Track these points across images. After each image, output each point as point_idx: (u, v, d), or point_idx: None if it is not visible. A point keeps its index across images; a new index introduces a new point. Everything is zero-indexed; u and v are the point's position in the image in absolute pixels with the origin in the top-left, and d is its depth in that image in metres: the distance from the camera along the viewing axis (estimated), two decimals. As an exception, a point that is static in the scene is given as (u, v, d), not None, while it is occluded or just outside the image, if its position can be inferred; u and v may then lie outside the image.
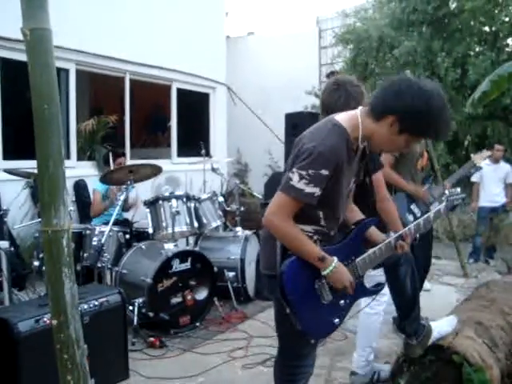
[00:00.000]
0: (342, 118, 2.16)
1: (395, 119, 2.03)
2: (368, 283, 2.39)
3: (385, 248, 2.29)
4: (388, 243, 2.30)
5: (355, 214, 2.46)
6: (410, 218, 4.25)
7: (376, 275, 2.71)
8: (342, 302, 2.23)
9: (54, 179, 1.19)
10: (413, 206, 4.31)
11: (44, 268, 4.41)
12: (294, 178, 2.02)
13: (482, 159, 4.84)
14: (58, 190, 1.18)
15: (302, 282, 2.14)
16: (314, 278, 2.15)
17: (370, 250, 2.28)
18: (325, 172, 2.00)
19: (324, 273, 2.11)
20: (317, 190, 2.02)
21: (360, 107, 2.20)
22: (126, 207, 5.51)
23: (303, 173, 2.00)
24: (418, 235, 2.44)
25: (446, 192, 2.49)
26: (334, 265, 2.10)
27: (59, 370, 1.16)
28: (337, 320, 2.22)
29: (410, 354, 2.90)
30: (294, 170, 2.03)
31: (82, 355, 1.17)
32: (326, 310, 2.19)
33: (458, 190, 2.52)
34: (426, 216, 2.40)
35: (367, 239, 2.35)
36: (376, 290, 2.43)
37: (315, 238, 2.20)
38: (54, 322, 1.15)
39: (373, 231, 2.37)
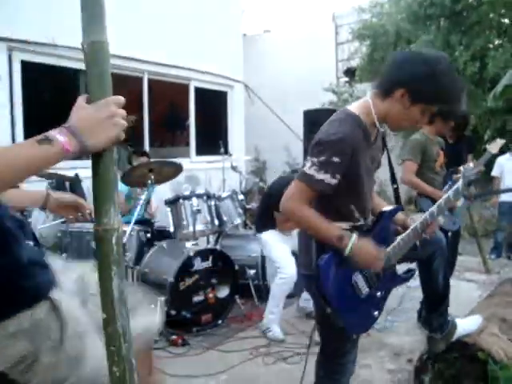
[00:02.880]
0: (354, 106, 2.19)
1: (404, 91, 2.04)
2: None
3: (412, 234, 2.28)
4: (414, 228, 2.28)
5: (379, 202, 2.47)
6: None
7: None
8: (379, 293, 2.24)
9: (105, 181, 1.25)
10: None
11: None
12: (307, 165, 2.07)
13: (497, 148, 4.79)
14: (109, 191, 1.25)
15: (339, 277, 2.15)
16: (351, 272, 2.16)
17: (399, 238, 2.27)
18: (336, 159, 2.01)
19: (346, 252, 2.05)
20: (327, 177, 2.02)
21: (368, 92, 2.21)
22: (149, 211, 5.58)
23: (314, 160, 2.04)
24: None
25: (461, 168, 2.47)
26: (353, 240, 2.05)
27: (107, 362, 1.24)
28: (376, 312, 2.24)
29: (433, 349, 2.90)
30: (308, 157, 2.08)
31: (129, 348, 1.24)
32: (365, 303, 2.20)
33: (471, 164, 2.50)
34: (445, 196, 2.38)
35: (396, 226, 2.36)
36: (407, 276, 2.42)
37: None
38: (104, 316, 1.23)
39: (399, 217, 2.38)
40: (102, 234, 1.25)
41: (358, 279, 2.17)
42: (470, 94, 9.47)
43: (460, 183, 2.42)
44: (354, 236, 2.07)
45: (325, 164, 2.01)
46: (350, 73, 13.00)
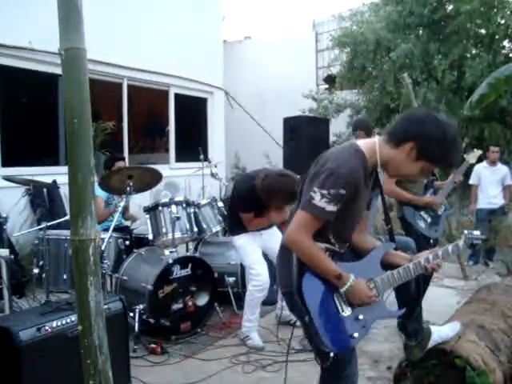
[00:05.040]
0: (362, 143, 2.27)
1: (414, 145, 2.16)
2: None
3: (403, 272, 2.37)
4: (406, 267, 2.37)
5: (372, 242, 2.53)
6: (422, 224, 4.38)
7: None
8: (362, 316, 2.27)
9: (82, 191, 1.24)
10: (422, 213, 4.41)
11: (43, 275, 4.42)
12: (316, 197, 2.11)
13: (475, 158, 4.94)
14: (86, 201, 1.23)
15: (322, 293, 2.21)
16: (333, 290, 2.22)
17: (389, 272, 2.36)
18: (342, 191, 2.10)
19: (342, 290, 2.20)
20: (335, 209, 2.12)
21: (377, 136, 2.33)
22: (126, 215, 5.53)
23: (324, 192, 2.10)
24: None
25: (465, 232, 2.58)
26: (350, 282, 2.19)
27: (83, 375, 1.21)
28: (356, 334, 2.25)
29: (409, 356, 2.91)
30: (316, 189, 2.12)
31: (105, 361, 1.22)
32: (345, 323, 2.23)
33: (478, 232, 2.60)
34: (444, 248, 2.47)
35: (389, 262, 2.42)
36: (395, 313, 2.53)
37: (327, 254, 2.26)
38: (80, 327, 1.21)
39: (396, 254, 2.46)
40: (79, 245, 1.22)
41: (341, 297, 2.24)
42: (448, 103, 9.58)
43: (461, 243, 2.53)
44: (352, 277, 2.21)
45: (335, 196, 2.10)
46: (329, 80, 13.07)
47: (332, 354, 2.22)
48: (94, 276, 1.22)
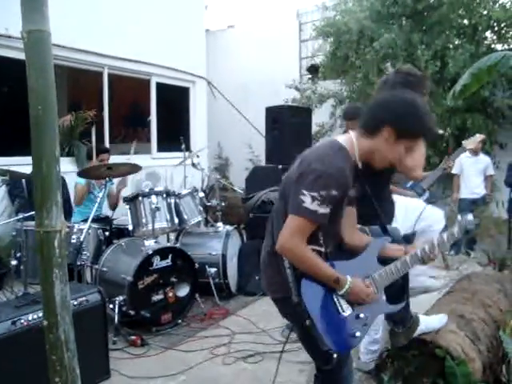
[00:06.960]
0: (342, 139, 2.21)
1: (390, 128, 2.11)
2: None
3: (400, 265, 2.33)
4: (403, 260, 2.33)
5: (364, 237, 2.49)
6: None
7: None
8: (362, 315, 2.23)
9: (47, 180, 1.19)
10: None
11: (21, 267, 4.35)
12: (307, 200, 2.02)
13: (474, 144, 4.73)
14: (51, 191, 1.18)
15: (321, 295, 2.15)
16: (332, 292, 2.17)
17: (387, 266, 2.31)
18: (334, 193, 2.03)
19: (340, 293, 2.16)
20: (327, 210, 2.05)
21: (351, 132, 2.26)
22: (111, 203, 5.49)
23: (315, 194, 2.02)
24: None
25: (459, 217, 2.53)
26: (348, 284, 2.14)
27: (49, 372, 1.16)
28: (358, 333, 2.21)
29: (394, 343, 2.91)
30: (305, 191, 2.03)
31: (72, 357, 1.17)
32: (346, 323, 2.19)
33: (471, 216, 2.54)
34: (439, 237, 2.42)
35: (384, 256, 2.38)
36: (396, 307, 2.47)
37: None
38: (45, 322, 1.16)
39: (390, 247, 2.42)
40: (44, 237, 1.17)
41: (341, 298, 2.19)
42: (431, 93, 9.59)
43: (456, 230, 2.46)
44: (349, 279, 2.15)
45: (326, 198, 2.02)
46: (313, 70, 13.02)
47: (335, 356, 2.18)
48: (60, 269, 1.16)
